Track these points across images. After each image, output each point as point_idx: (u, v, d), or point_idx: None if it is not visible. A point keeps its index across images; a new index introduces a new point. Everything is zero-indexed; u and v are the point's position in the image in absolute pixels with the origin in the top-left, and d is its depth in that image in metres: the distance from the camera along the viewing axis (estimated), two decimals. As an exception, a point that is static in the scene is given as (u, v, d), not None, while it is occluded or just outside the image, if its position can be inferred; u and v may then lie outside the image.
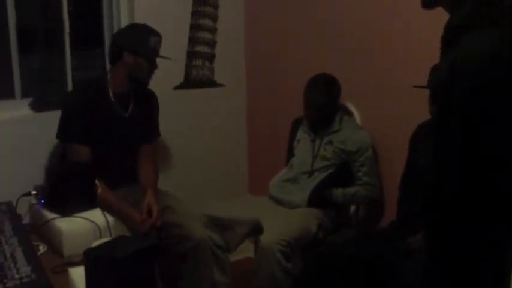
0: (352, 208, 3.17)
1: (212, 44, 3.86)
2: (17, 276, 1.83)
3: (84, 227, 2.35)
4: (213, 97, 3.91)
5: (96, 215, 2.42)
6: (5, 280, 1.80)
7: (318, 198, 3.01)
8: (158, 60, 2.95)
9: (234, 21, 3.95)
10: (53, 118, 2.92)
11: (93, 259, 1.79)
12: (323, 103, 3.06)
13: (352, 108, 3.26)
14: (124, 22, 3.48)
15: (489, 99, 1.48)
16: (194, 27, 3.77)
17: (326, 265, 2.57)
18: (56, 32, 3.40)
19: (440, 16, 1.82)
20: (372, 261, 2.44)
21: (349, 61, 3.23)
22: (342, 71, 3.13)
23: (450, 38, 1.59)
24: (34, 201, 2.59)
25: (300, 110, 3.21)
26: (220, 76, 3.94)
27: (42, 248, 2.32)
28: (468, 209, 1.58)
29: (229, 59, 3.95)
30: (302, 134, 3.23)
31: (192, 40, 3.77)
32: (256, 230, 2.82)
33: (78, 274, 1.90)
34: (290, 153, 3.31)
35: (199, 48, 3.81)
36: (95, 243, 1.97)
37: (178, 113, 3.70)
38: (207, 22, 3.82)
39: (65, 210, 2.43)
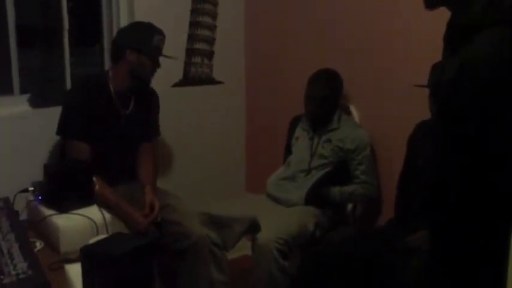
0: (350, 206, 3.17)
1: (211, 41, 3.86)
2: (13, 272, 1.83)
3: (81, 223, 2.35)
4: (211, 94, 3.91)
5: (94, 212, 2.42)
6: (1, 276, 1.80)
7: (315, 197, 3.01)
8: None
9: (234, 19, 3.95)
10: (51, 114, 2.91)
11: (90, 256, 1.78)
12: (325, 95, 3.06)
13: (351, 107, 3.26)
14: (123, 19, 3.47)
15: (499, 99, 1.48)
16: (193, 25, 3.76)
17: (323, 263, 2.57)
18: (55, 29, 3.39)
19: (440, 16, 1.81)
20: (369, 259, 2.44)
21: (349, 60, 3.23)
22: (341, 70, 3.13)
23: (458, 38, 1.59)
24: (31, 197, 2.59)
25: (298, 108, 3.21)
26: (219, 74, 3.94)
27: (39, 245, 2.32)
28: (469, 209, 1.58)
29: (228, 56, 3.95)
30: (301, 132, 3.23)
31: (191, 37, 3.76)
32: (253, 228, 2.82)
33: (74, 271, 1.90)
34: (288, 151, 3.31)
35: (198, 46, 3.80)
36: (92, 240, 1.97)
37: (177, 111, 3.70)
38: (207, 19, 3.81)
39: (62, 207, 2.43)
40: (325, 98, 3.06)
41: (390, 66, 3.05)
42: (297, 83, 3.22)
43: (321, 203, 3.00)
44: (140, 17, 3.35)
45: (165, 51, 2.97)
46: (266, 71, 3.92)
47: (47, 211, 2.43)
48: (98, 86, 2.90)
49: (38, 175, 2.72)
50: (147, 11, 3.47)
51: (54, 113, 2.89)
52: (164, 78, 3.59)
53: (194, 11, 3.75)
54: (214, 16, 3.84)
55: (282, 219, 2.86)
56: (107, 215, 2.43)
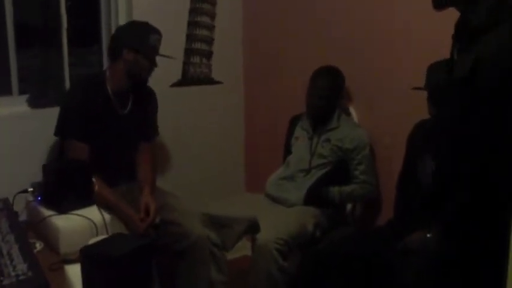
0: (349, 206, 3.17)
1: (210, 41, 3.86)
2: (13, 273, 1.83)
3: (81, 224, 2.35)
4: (210, 94, 3.91)
5: (93, 213, 2.42)
6: (1, 278, 1.80)
7: (314, 197, 3.01)
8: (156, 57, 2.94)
9: (232, 18, 3.94)
10: (50, 115, 2.91)
11: (89, 257, 1.79)
12: (328, 89, 3.06)
13: (350, 108, 3.26)
14: (122, 19, 3.47)
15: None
16: (192, 25, 3.76)
17: (323, 263, 2.57)
18: (53, 29, 3.38)
19: (440, 16, 1.82)
20: (368, 259, 2.44)
21: (348, 60, 3.23)
22: (342, 70, 3.13)
23: (468, 37, 1.59)
24: (31, 198, 2.59)
25: (297, 108, 3.21)
26: (218, 73, 3.94)
27: (38, 246, 2.32)
28: (471, 209, 1.58)
29: (227, 56, 3.95)
30: (300, 131, 3.23)
31: (190, 37, 3.76)
32: (253, 228, 2.82)
33: (74, 272, 1.90)
34: (287, 150, 3.31)
35: (197, 46, 3.80)
36: (92, 241, 1.97)
37: (176, 111, 3.70)
38: (205, 19, 3.81)
39: (62, 208, 2.43)
40: (328, 92, 3.07)
41: (390, 66, 3.05)
42: (296, 82, 3.22)
43: (320, 203, 3.00)
44: (138, 16, 3.35)
45: (163, 50, 2.97)
46: (265, 71, 3.92)
47: (46, 212, 2.43)
48: (96, 86, 2.90)
49: (38, 176, 2.72)
50: (145, 11, 3.46)
51: (53, 114, 2.89)
52: (163, 78, 3.59)
53: (193, 11, 3.75)
54: (212, 16, 3.83)
55: (281, 220, 2.86)
56: (107, 216, 2.43)
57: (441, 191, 1.72)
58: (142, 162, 3.03)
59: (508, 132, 1.50)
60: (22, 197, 2.59)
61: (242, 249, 3.17)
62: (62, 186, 2.51)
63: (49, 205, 2.48)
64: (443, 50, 2.46)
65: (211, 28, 3.85)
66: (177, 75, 3.75)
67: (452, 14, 1.78)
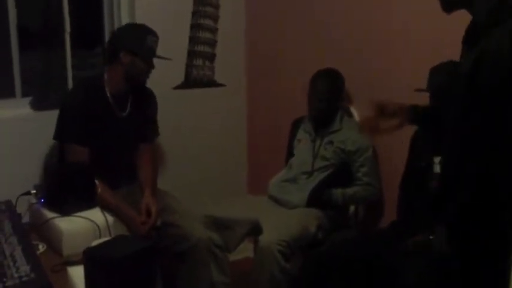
0: (352, 208, 3.17)
1: (213, 43, 3.86)
2: (16, 275, 1.84)
3: (84, 226, 2.35)
4: (213, 97, 3.92)
5: (96, 215, 2.42)
6: (4, 279, 1.80)
7: (317, 199, 3.01)
8: (157, 60, 2.94)
9: (235, 21, 3.95)
10: (53, 117, 2.91)
11: (92, 259, 1.79)
12: (328, 92, 3.06)
13: (352, 109, 3.26)
14: (125, 21, 3.48)
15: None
16: (195, 27, 3.77)
17: (325, 265, 2.57)
18: (56, 31, 3.40)
19: (440, 17, 1.82)
20: (371, 261, 2.44)
21: (349, 61, 3.24)
22: (341, 71, 3.13)
23: (472, 36, 1.60)
24: (34, 200, 2.59)
25: (300, 110, 3.21)
26: (221, 76, 3.95)
27: (41, 247, 2.32)
28: (480, 209, 1.58)
29: (229, 59, 3.96)
30: (303, 134, 3.23)
31: (193, 40, 3.77)
32: (255, 230, 2.82)
33: (77, 274, 1.90)
34: (290, 153, 3.31)
35: (200, 48, 3.81)
36: (95, 243, 1.97)
37: (178, 113, 3.70)
38: (208, 22, 3.82)
39: (65, 210, 2.43)
40: (328, 95, 3.07)
41: (390, 67, 3.05)
42: (298, 85, 3.22)
43: (323, 205, 3.00)
44: (141, 19, 3.35)
45: (166, 53, 2.97)
46: (267, 73, 3.92)
47: (49, 214, 2.43)
48: (94, 89, 2.89)
49: (41, 178, 2.73)
50: (148, 14, 3.47)
51: (56, 116, 2.89)
52: (166, 81, 3.61)
53: (195, 14, 3.75)
54: (215, 19, 3.84)
55: (283, 221, 2.87)
56: (110, 218, 2.43)
57: (444, 192, 1.72)
58: (143, 163, 3.03)
59: (508, 131, 1.51)
60: (25, 199, 2.59)
61: (244, 250, 3.16)
62: (65, 188, 2.51)
63: (52, 207, 2.48)
64: (442, 50, 2.48)
65: (214, 31, 3.85)
66: (180, 78, 3.76)
67: (452, 15, 1.79)
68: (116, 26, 3.50)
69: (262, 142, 4.04)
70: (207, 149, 3.91)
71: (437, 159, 2.51)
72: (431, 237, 2.29)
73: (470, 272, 1.63)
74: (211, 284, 2.77)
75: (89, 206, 2.49)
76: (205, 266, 2.76)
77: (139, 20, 3.33)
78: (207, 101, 3.89)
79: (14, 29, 3.19)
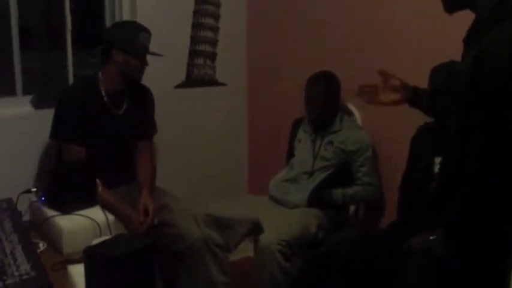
0: (352, 208, 3.17)
1: (214, 42, 3.87)
2: (16, 273, 1.84)
3: (85, 224, 2.35)
4: (214, 96, 3.92)
5: (97, 213, 2.42)
6: (4, 277, 1.80)
7: (317, 199, 3.01)
8: (158, 59, 2.94)
9: (236, 20, 3.95)
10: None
11: (93, 257, 1.79)
12: (324, 100, 3.06)
13: (352, 109, 3.26)
14: (126, 20, 3.48)
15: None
16: (196, 26, 3.77)
17: (325, 265, 2.57)
18: (57, 30, 3.40)
19: (440, 16, 1.82)
20: (370, 261, 2.44)
21: (350, 61, 3.24)
22: (342, 70, 3.13)
23: (473, 34, 1.60)
24: (34, 198, 2.59)
25: (300, 110, 3.21)
26: (222, 75, 3.95)
27: (42, 246, 2.31)
28: (480, 209, 1.58)
29: (231, 58, 3.96)
30: (303, 134, 3.23)
31: (194, 39, 3.77)
32: (256, 229, 2.83)
33: (77, 272, 1.90)
34: (290, 153, 3.31)
35: (201, 47, 3.81)
36: (95, 241, 1.97)
37: (179, 112, 3.71)
38: (209, 21, 3.82)
39: (65, 208, 2.43)
40: (322, 99, 3.07)
41: (391, 67, 3.03)
42: (299, 84, 3.22)
43: (323, 205, 3.00)
44: (143, 18, 3.36)
45: (167, 52, 2.97)
46: (268, 73, 3.92)
47: (50, 212, 2.43)
48: (89, 88, 2.88)
49: (41, 176, 2.73)
50: (149, 13, 3.48)
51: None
52: (167, 80, 3.61)
53: (197, 13, 3.76)
54: (216, 18, 3.84)
55: (284, 221, 2.87)
56: (110, 216, 2.43)
57: (444, 192, 1.72)
58: (142, 162, 3.03)
59: (508, 130, 1.50)
60: (26, 197, 2.59)
61: (245, 250, 3.16)
62: (66, 186, 2.51)
63: (53, 205, 2.48)
64: (443, 50, 2.48)
65: (215, 30, 3.85)
66: (181, 77, 3.76)
67: (453, 15, 1.79)
68: (118, 24, 3.51)
69: (262, 141, 4.05)
70: (207, 148, 3.91)
71: (438, 160, 2.51)
72: (431, 237, 2.28)
73: (470, 272, 1.63)
74: (211, 283, 2.77)
75: (90, 204, 2.49)
76: (204, 265, 2.76)
77: (140, 19, 3.33)
78: (208, 100, 3.89)
79: (16, 27, 3.19)
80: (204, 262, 2.76)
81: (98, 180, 2.57)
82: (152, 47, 2.93)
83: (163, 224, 2.80)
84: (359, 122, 3.21)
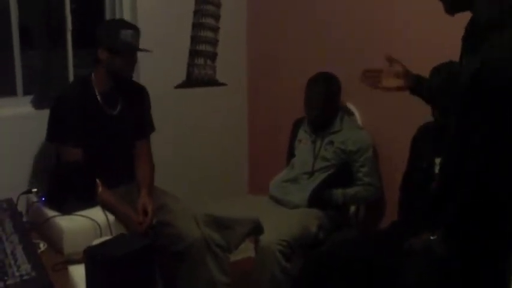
0: (352, 208, 3.17)
1: (214, 43, 3.87)
2: (17, 273, 1.84)
3: (85, 225, 2.35)
4: (214, 96, 3.92)
5: (97, 213, 2.42)
6: (5, 278, 1.81)
7: (318, 199, 3.01)
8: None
9: (236, 20, 3.95)
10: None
11: (93, 257, 1.79)
12: (323, 101, 3.06)
13: (352, 109, 3.26)
14: (126, 19, 3.47)
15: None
16: (196, 26, 3.77)
17: (325, 265, 2.57)
18: (58, 30, 3.40)
19: (440, 16, 1.82)
20: (371, 261, 2.44)
21: (350, 61, 3.23)
22: (343, 70, 3.13)
23: (477, 37, 1.60)
24: (35, 198, 2.59)
25: (301, 110, 3.21)
26: (222, 75, 3.95)
27: (42, 246, 2.32)
28: (480, 209, 1.58)
29: (231, 58, 3.96)
30: (303, 134, 3.23)
31: (194, 39, 3.77)
32: (256, 229, 2.83)
33: (78, 272, 1.90)
34: (290, 153, 3.31)
35: (202, 47, 3.81)
36: (96, 242, 1.97)
37: (180, 112, 3.71)
38: (210, 21, 3.82)
39: (66, 208, 2.43)
40: (323, 104, 3.07)
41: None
42: (299, 84, 3.22)
43: (323, 205, 3.00)
44: (143, 18, 3.37)
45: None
46: (268, 73, 3.92)
47: (50, 212, 2.43)
48: (83, 90, 2.88)
49: (42, 176, 2.73)
50: (149, 13, 3.48)
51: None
52: (167, 80, 3.61)
53: (197, 13, 3.76)
54: (217, 18, 3.84)
55: (284, 221, 2.87)
56: (111, 217, 2.43)
57: (444, 192, 1.72)
58: (140, 162, 3.02)
59: (508, 131, 1.51)
60: (26, 198, 2.60)
61: (245, 250, 3.16)
62: (66, 187, 2.51)
63: (53, 206, 2.48)
64: (443, 50, 2.47)
65: (215, 30, 3.85)
66: (182, 77, 3.76)
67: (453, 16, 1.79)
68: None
69: (263, 142, 4.04)
70: (207, 148, 3.92)
71: (438, 160, 2.51)
72: (432, 237, 2.28)
73: (471, 272, 1.63)
74: (212, 283, 2.77)
75: (90, 204, 2.49)
76: (204, 266, 2.76)
77: (140, 19, 3.33)
78: (208, 100, 3.89)
79: (16, 27, 3.19)
80: (204, 262, 2.76)
81: (98, 181, 2.58)
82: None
83: (163, 224, 2.79)
84: (359, 122, 3.21)
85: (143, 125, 3.09)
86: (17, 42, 3.21)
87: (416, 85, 2.26)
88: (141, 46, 2.88)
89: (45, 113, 3.14)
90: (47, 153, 3.11)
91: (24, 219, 2.46)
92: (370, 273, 2.42)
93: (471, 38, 1.66)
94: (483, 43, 1.56)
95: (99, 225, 2.36)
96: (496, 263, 1.60)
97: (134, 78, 3.35)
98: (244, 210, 3.06)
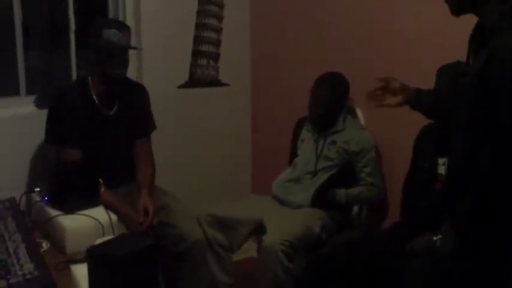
0: (355, 209, 3.17)
1: (217, 43, 3.87)
2: (20, 272, 1.84)
3: (88, 224, 2.36)
4: (217, 96, 3.92)
5: (100, 213, 2.43)
6: (8, 276, 1.81)
7: (321, 199, 3.00)
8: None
9: (239, 21, 3.95)
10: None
11: (96, 257, 1.79)
12: (328, 101, 3.06)
13: (356, 109, 3.26)
14: (129, 20, 3.48)
15: None
16: (199, 27, 3.77)
17: (327, 266, 2.57)
18: (61, 30, 3.40)
19: (441, 16, 1.82)
20: (373, 262, 2.44)
21: (353, 61, 3.23)
22: (346, 71, 3.13)
23: (483, 39, 1.61)
24: (38, 198, 2.60)
25: (304, 110, 3.21)
26: (225, 75, 3.95)
27: (45, 245, 2.33)
28: (493, 210, 1.58)
29: (234, 58, 3.96)
30: (306, 134, 3.23)
31: (197, 39, 3.77)
32: (259, 229, 2.82)
33: (81, 272, 1.90)
34: (293, 152, 3.31)
35: (204, 48, 3.81)
36: (98, 241, 1.97)
37: (182, 112, 3.71)
38: (212, 21, 3.82)
39: (68, 208, 2.43)
40: (327, 102, 3.06)
41: (392, 67, 3.05)
42: (302, 84, 3.22)
43: (326, 205, 3.00)
44: (146, 18, 3.37)
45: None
46: (271, 73, 3.92)
47: (53, 212, 2.44)
48: (80, 91, 2.88)
49: (45, 176, 2.73)
50: (152, 13, 3.48)
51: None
52: (170, 80, 3.61)
53: (200, 13, 3.76)
54: (220, 18, 3.84)
55: (287, 221, 2.86)
56: (113, 216, 2.44)
57: (452, 191, 1.72)
58: (141, 161, 3.00)
59: None
60: (29, 197, 2.60)
61: (248, 250, 3.16)
62: (69, 186, 2.52)
63: (56, 205, 2.49)
64: (444, 49, 2.48)
65: (218, 30, 3.86)
66: (184, 77, 3.76)
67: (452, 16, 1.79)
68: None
69: (266, 142, 4.04)
70: (210, 148, 3.91)
71: (441, 161, 2.51)
72: (434, 238, 2.28)
73: (478, 272, 1.63)
74: (214, 283, 2.77)
75: (93, 204, 2.50)
76: (206, 266, 2.75)
77: (144, 19, 3.33)
78: (211, 100, 3.89)
79: (19, 27, 3.19)
80: (206, 263, 2.75)
81: (100, 180, 2.58)
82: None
83: (164, 225, 2.79)
84: (362, 122, 3.21)
85: (143, 124, 3.07)
86: (20, 42, 3.21)
87: (415, 99, 2.29)
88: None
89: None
90: (50, 153, 3.11)
91: (27, 218, 2.46)
92: (372, 275, 2.42)
93: (477, 39, 1.66)
94: (487, 44, 1.56)
95: (101, 225, 2.36)
96: (504, 263, 1.60)
97: (137, 78, 3.36)
98: (247, 210, 3.05)
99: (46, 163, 3.10)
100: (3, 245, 2.05)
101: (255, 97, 4.08)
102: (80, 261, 1.99)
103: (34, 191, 2.62)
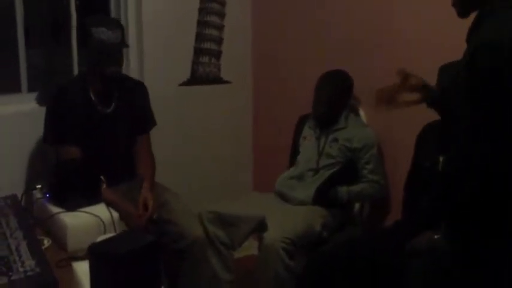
0: (357, 207, 3.16)
1: (219, 41, 3.86)
2: (21, 269, 1.84)
3: (89, 221, 2.36)
4: (219, 94, 3.92)
5: (101, 210, 2.43)
6: (9, 273, 1.81)
7: (323, 196, 3.00)
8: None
9: (241, 18, 3.95)
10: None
11: (97, 254, 1.79)
12: (332, 98, 3.06)
13: (358, 106, 3.26)
14: (131, 17, 3.48)
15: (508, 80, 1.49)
16: (201, 24, 3.77)
17: (329, 264, 2.57)
18: (63, 27, 3.40)
19: (441, 16, 1.82)
20: (375, 260, 2.44)
21: (355, 59, 3.23)
22: (348, 69, 3.13)
23: (474, 26, 1.62)
24: (39, 195, 2.60)
25: (305, 107, 3.21)
26: (227, 73, 3.95)
27: (46, 242, 2.32)
28: (485, 208, 1.58)
29: (235, 56, 3.95)
30: (308, 131, 3.23)
31: (199, 37, 3.77)
32: (260, 226, 2.82)
33: (82, 269, 1.90)
34: (294, 149, 3.31)
35: (206, 45, 3.81)
36: (100, 238, 1.97)
37: (184, 110, 3.71)
38: (214, 19, 3.82)
39: (70, 205, 2.44)
40: (330, 99, 3.07)
41: (392, 67, 3.03)
42: (303, 82, 3.23)
43: (328, 202, 3.00)
44: (148, 16, 3.36)
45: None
46: (273, 71, 3.92)
47: (54, 209, 2.44)
48: (78, 89, 2.88)
49: (46, 173, 2.73)
50: (154, 10, 3.48)
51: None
52: (171, 77, 3.61)
53: (202, 10, 3.75)
54: (222, 16, 3.84)
55: (288, 219, 2.86)
56: (115, 214, 2.44)
57: (448, 190, 1.72)
58: (141, 157, 3.01)
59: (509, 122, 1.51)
60: (31, 194, 2.61)
61: (249, 248, 3.16)
62: (71, 183, 2.52)
63: (57, 202, 2.49)
64: (444, 49, 2.47)
65: (220, 28, 3.85)
66: (186, 75, 3.76)
67: (454, 15, 1.79)
68: (123, 22, 3.49)
69: (267, 139, 4.04)
70: (212, 146, 3.91)
71: (443, 159, 2.50)
72: (436, 236, 2.28)
73: (478, 271, 1.63)
74: (215, 281, 2.77)
75: (94, 201, 2.50)
76: (206, 263, 2.76)
77: (146, 16, 3.33)
78: (213, 98, 3.89)
79: (21, 25, 3.20)
80: (206, 260, 2.76)
81: (102, 178, 2.58)
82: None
83: (164, 222, 2.79)
84: (364, 120, 3.20)
85: (143, 121, 3.07)
86: (21, 40, 3.21)
87: (434, 97, 2.14)
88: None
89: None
90: (51, 150, 3.12)
91: (29, 215, 2.47)
92: (374, 273, 2.42)
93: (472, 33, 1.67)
94: (477, 30, 1.57)
95: (103, 222, 2.36)
96: (499, 262, 1.60)
97: (138, 76, 3.37)
98: (249, 207, 3.05)
99: (47, 160, 3.11)
100: (5, 242, 2.05)
101: (257, 95, 4.08)
102: (82, 259, 1.99)
103: (36, 188, 2.62)
